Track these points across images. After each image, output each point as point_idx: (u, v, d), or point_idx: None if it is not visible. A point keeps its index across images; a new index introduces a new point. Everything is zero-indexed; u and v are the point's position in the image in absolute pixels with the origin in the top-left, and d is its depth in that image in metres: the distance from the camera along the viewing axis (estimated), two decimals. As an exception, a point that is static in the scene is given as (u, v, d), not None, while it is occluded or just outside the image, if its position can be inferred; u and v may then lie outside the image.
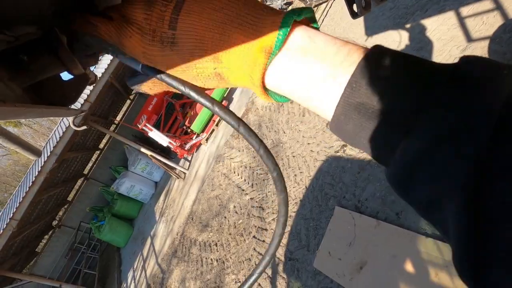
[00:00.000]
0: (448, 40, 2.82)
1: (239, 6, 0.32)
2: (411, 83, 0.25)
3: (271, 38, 0.30)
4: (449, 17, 2.91)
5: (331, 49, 0.29)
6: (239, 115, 6.27)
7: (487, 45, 2.45)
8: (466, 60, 0.25)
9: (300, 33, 0.30)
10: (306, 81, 0.30)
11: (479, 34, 2.57)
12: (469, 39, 2.63)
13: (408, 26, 3.42)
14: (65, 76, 0.41)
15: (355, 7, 0.78)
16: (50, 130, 22.34)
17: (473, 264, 0.21)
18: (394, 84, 0.26)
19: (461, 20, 2.79)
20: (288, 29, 0.30)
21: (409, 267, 2.13)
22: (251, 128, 0.35)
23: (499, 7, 2.51)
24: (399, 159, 0.25)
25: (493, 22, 2.50)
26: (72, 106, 0.52)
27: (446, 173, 0.22)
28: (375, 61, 0.27)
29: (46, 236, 10.43)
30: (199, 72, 0.34)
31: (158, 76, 0.35)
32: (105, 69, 6.09)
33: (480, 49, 2.48)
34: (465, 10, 2.79)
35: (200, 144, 7.84)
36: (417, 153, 0.24)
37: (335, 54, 0.29)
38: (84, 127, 5.85)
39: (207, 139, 7.59)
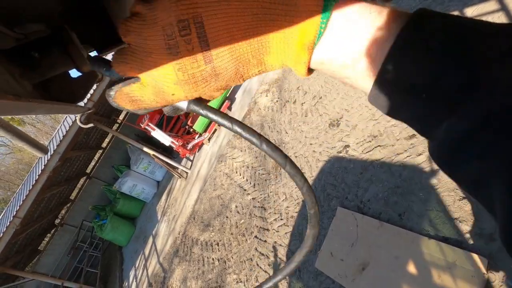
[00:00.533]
0: (452, 41, 2.81)
1: None
2: (460, 56, 0.23)
3: (312, 32, 0.27)
4: (454, 17, 2.90)
5: (365, 20, 0.27)
6: (242, 115, 6.27)
7: (492, 46, 2.44)
8: None
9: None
10: (343, 59, 0.29)
11: (483, 35, 2.56)
12: (474, 40, 2.62)
13: (411, 26, 3.40)
14: (74, 73, 0.41)
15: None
16: (53, 129, 22.46)
17: None
18: (440, 57, 0.24)
19: (466, 21, 2.78)
20: (328, 19, 0.27)
21: (411, 268, 2.12)
22: (297, 166, 0.35)
23: (503, 7, 2.50)
24: (445, 135, 0.25)
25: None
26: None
27: (496, 153, 0.22)
28: (418, 30, 0.25)
29: (49, 235, 10.50)
30: (246, 79, 0.33)
31: (204, 113, 0.34)
32: (109, 69, 6.11)
33: (485, 50, 2.47)
34: (469, 11, 2.78)
35: (202, 144, 7.85)
36: (466, 131, 0.23)
37: (371, 27, 0.27)
38: (91, 125, 5.87)
39: (209, 139, 7.61)
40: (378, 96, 0.28)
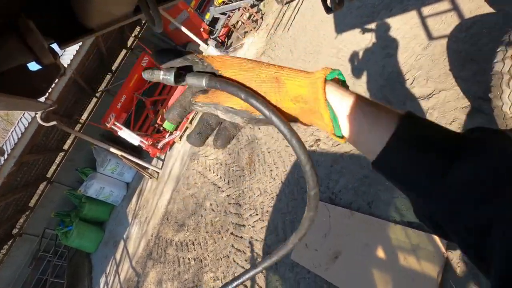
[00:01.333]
0: (411, 39, 2.98)
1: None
2: (439, 149, 0.33)
3: (322, 73, 0.39)
4: (412, 16, 3.09)
5: (374, 109, 0.38)
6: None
7: (446, 44, 2.63)
8: (472, 130, 0.36)
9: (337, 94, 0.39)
10: (355, 131, 0.39)
11: (438, 33, 2.75)
12: (430, 37, 2.81)
13: (374, 24, 3.57)
14: (33, 66, 0.38)
15: (329, 2, 0.80)
16: (5, 131, 20.55)
17: None
18: (425, 148, 0.33)
19: (423, 20, 2.96)
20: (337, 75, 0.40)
21: (380, 253, 2.25)
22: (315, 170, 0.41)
23: (455, 7, 2.70)
24: (447, 189, 0.32)
25: (451, 21, 2.68)
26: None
27: (494, 200, 0.28)
28: (410, 125, 0.35)
29: (6, 246, 9.64)
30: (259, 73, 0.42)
31: (232, 90, 0.40)
32: (68, 64, 5.70)
33: (440, 47, 2.66)
34: (426, 10, 2.97)
35: (174, 143, 7.65)
36: (465, 182, 0.30)
37: (377, 114, 0.37)
38: (54, 123, 5.40)
39: (180, 137, 7.43)
40: (382, 165, 0.37)
